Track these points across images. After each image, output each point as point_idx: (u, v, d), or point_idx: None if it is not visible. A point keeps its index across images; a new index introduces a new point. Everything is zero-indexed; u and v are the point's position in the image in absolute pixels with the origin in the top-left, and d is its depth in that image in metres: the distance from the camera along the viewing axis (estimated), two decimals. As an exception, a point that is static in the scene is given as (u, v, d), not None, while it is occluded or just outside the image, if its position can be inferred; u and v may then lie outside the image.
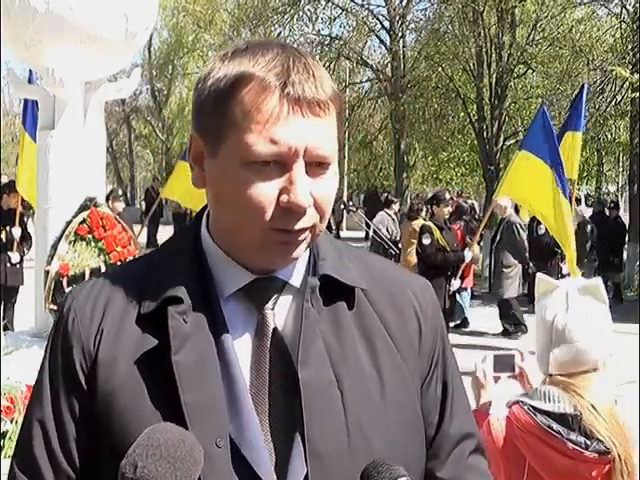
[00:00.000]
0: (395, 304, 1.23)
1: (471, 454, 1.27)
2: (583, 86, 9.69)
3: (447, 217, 10.26)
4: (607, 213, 15.08)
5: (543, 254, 9.83)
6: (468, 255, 9.50)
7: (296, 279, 1.19)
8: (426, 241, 9.69)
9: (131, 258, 6.36)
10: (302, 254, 1.15)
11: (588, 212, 16.92)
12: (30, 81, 7.30)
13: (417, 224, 10.23)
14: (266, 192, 1.07)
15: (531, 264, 10.02)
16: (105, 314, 1.16)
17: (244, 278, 1.16)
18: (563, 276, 9.58)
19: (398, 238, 12.39)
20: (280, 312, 1.17)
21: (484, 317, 11.78)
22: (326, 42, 22.02)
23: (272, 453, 1.10)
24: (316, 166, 1.09)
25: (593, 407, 2.29)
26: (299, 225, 1.09)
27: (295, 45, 1.17)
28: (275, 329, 1.15)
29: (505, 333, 10.71)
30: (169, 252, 1.21)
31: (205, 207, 1.22)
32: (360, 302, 1.20)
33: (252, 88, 1.06)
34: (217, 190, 1.12)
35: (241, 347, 1.14)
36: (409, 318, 1.23)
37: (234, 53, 1.11)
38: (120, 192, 11.97)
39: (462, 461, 1.25)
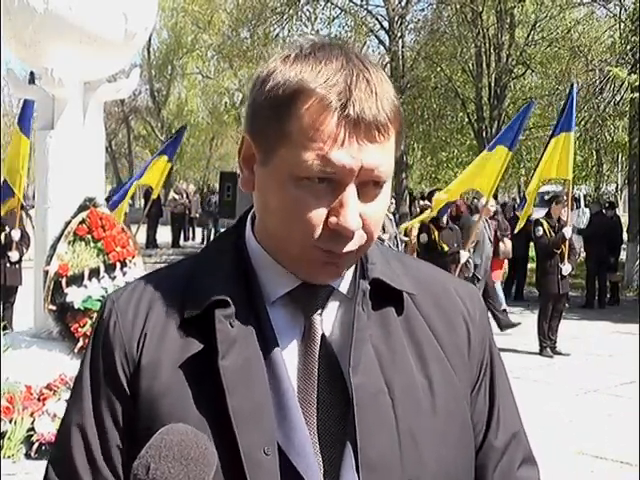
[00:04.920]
0: (443, 310, 1.20)
1: (521, 466, 1.23)
2: (572, 86, 9.72)
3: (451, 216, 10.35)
4: (604, 213, 15.10)
5: (541, 255, 9.84)
6: (464, 255, 9.54)
7: (344, 285, 1.16)
8: (423, 240, 9.83)
9: (130, 258, 6.36)
10: (344, 272, 1.13)
11: (587, 212, 16.97)
12: (33, 82, 7.28)
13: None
14: (315, 211, 1.05)
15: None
16: (148, 318, 1.13)
17: (290, 283, 1.13)
18: (563, 277, 9.61)
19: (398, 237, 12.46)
20: (327, 318, 1.14)
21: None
22: (325, 42, 21.99)
23: (320, 462, 1.07)
24: (370, 185, 1.06)
25: None
26: (346, 248, 1.06)
27: None
28: (323, 335, 1.12)
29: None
30: (213, 254, 1.19)
31: (250, 208, 1.20)
32: (408, 308, 1.17)
33: (312, 105, 1.03)
34: (266, 199, 1.10)
35: (287, 352, 1.11)
36: (458, 325, 1.20)
37: (296, 56, 1.07)
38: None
39: (511, 473, 1.22)
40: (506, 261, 12.51)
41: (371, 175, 1.05)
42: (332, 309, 1.15)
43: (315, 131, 1.03)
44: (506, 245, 11.74)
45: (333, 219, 1.04)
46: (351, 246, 1.07)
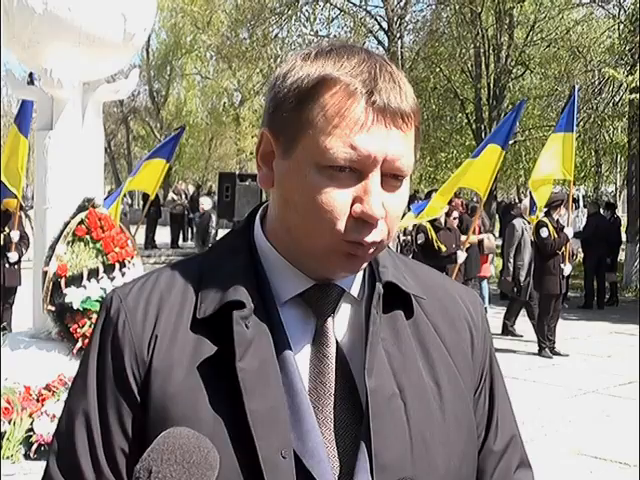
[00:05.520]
0: (448, 315, 1.21)
1: (517, 470, 1.24)
2: (574, 88, 9.76)
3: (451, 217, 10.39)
4: (602, 213, 15.12)
5: (544, 255, 9.84)
6: (462, 256, 9.54)
7: (355, 287, 1.15)
8: (420, 241, 9.86)
9: (129, 259, 6.36)
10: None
11: (586, 213, 16.99)
12: (32, 82, 7.30)
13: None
14: (339, 199, 1.04)
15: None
16: (158, 318, 1.11)
17: (303, 284, 1.12)
18: (564, 277, 9.65)
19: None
20: (338, 320, 1.14)
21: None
22: (324, 43, 22.01)
23: (335, 464, 1.07)
24: (391, 178, 1.06)
25: None
26: (371, 238, 1.05)
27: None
28: (335, 337, 1.12)
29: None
30: (223, 253, 1.17)
31: (258, 206, 1.20)
32: (416, 312, 1.18)
33: (337, 92, 1.03)
34: (286, 192, 1.08)
35: (299, 354, 1.10)
36: (462, 329, 1.21)
37: (317, 54, 1.07)
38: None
39: (508, 478, 1.23)
40: (493, 257, 12.55)
41: (393, 166, 1.05)
42: (343, 311, 1.14)
43: (340, 117, 1.03)
44: (490, 241, 11.79)
45: (357, 207, 1.04)
46: (375, 236, 1.06)
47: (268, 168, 1.12)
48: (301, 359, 1.10)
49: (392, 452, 1.07)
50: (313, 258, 1.09)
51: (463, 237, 10.12)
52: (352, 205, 1.04)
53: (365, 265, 1.11)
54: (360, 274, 1.16)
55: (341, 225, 1.04)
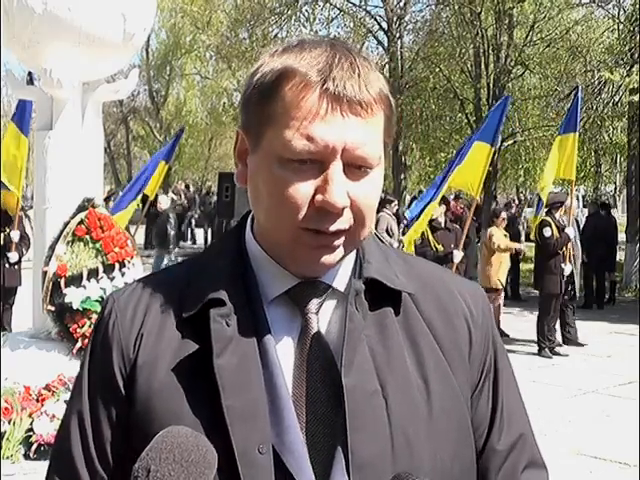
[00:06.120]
0: (444, 310, 1.18)
1: (525, 469, 1.21)
2: (577, 88, 9.75)
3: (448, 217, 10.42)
4: (601, 214, 15.14)
5: (546, 255, 9.84)
6: (458, 255, 9.54)
7: (341, 283, 1.15)
8: (418, 241, 9.91)
9: (129, 259, 6.36)
10: (338, 260, 1.11)
11: (585, 212, 16.99)
12: (31, 82, 7.29)
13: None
14: (301, 190, 1.04)
15: None
16: (146, 318, 1.14)
17: (288, 281, 1.13)
18: (564, 277, 9.65)
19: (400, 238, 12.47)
20: (324, 316, 1.13)
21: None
22: (324, 43, 21.96)
23: (312, 461, 1.07)
24: (355, 168, 1.05)
25: None
26: (333, 227, 1.05)
27: None
28: (319, 333, 1.12)
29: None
30: (212, 254, 1.20)
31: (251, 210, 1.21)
32: (407, 308, 1.16)
33: (294, 84, 1.04)
34: (256, 187, 1.11)
35: (283, 352, 1.11)
36: (459, 326, 1.18)
37: (284, 49, 1.09)
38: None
39: (514, 477, 1.19)
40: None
41: (354, 155, 1.04)
42: (329, 307, 1.14)
43: (296, 108, 1.04)
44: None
45: (319, 196, 1.04)
46: (339, 224, 1.06)
47: (243, 165, 1.14)
48: (285, 356, 1.10)
49: (371, 449, 1.06)
50: (286, 254, 1.10)
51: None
52: (314, 195, 1.04)
53: (339, 256, 1.10)
54: (348, 269, 1.16)
55: (301, 215, 1.05)
